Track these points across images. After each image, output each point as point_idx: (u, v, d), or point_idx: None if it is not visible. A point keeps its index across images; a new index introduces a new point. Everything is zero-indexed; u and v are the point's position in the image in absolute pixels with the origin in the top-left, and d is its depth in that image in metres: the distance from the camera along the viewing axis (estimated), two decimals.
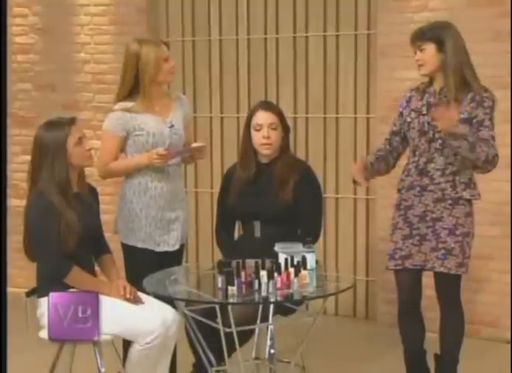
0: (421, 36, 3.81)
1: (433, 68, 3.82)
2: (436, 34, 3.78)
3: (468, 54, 3.82)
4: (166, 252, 4.06)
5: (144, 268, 3.89)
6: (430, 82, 3.90)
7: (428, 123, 3.84)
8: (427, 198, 3.85)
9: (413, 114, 3.90)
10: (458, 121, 3.71)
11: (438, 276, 3.89)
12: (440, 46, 3.77)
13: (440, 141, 3.81)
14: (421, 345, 4.02)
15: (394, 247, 3.93)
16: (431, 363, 4.03)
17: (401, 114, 3.98)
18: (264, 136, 4.03)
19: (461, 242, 3.82)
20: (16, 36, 6.41)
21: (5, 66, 6.26)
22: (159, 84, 4.00)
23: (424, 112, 3.86)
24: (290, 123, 4.26)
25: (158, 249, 4.04)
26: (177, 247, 4.09)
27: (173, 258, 4.06)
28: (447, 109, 3.70)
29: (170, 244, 4.07)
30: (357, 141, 5.68)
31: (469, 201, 3.87)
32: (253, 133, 4.07)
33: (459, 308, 3.95)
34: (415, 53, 3.84)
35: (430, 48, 3.79)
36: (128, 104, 3.98)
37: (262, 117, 4.06)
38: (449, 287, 3.90)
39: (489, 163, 3.77)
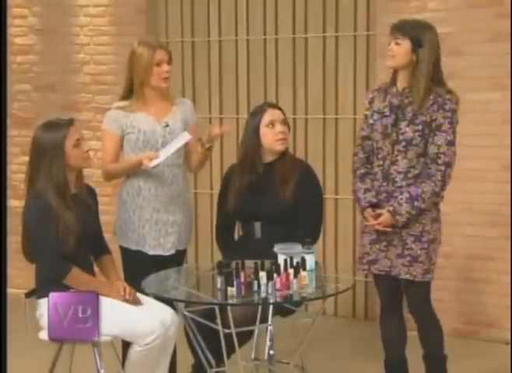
0: (401, 30, 3.76)
1: (401, 64, 3.75)
2: (415, 34, 3.72)
3: (440, 61, 3.77)
4: (161, 256, 4.03)
5: (138, 270, 3.88)
6: (393, 82, 3.84)
7: (391, 124, 3.78)
8: (392, 204, 3.78)
9: (376, 116, 3.84)
10: (389, 214, 3.73)
11: (406, 284, 3.86)
12: (416, 46, 3.71)
13: (403, 143, 3.75)
14: (402, 353, 3.99)
15: (363, 251, 3.91)
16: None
17: (365, 117, 3.91)
18: (280, 131, 4.06)
19: (427, 248, 3.78)
20: (16, 36, 6.41)
21: (4, 67, 6.26)
22: (153, 88, 3.98)
23: (387, 113, 3.80)
24: (289, 123, 4.27)
25: (151, 252, 4.03)
26: (172, 252, 4.05)
27: (170, 263, 4.01)
28: (379, 223, 3.75)
29: (165, 248, 4.04)
30: (356, 141, 5.67)
31: (435, 206, 3.83)
32: (265, 131, 4.07)
33: (433, 318, 3.91)
34: (390, 42, 3.78)
35: (405, 44, 3.73)
36: (124, 103, 4.00)
37: (274, 114, 4.09)
38: (418, 293, 3.86)
39: (442, 188, 3.75)
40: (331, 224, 5.74)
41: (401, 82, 3.79)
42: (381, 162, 3.83)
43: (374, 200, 3.81)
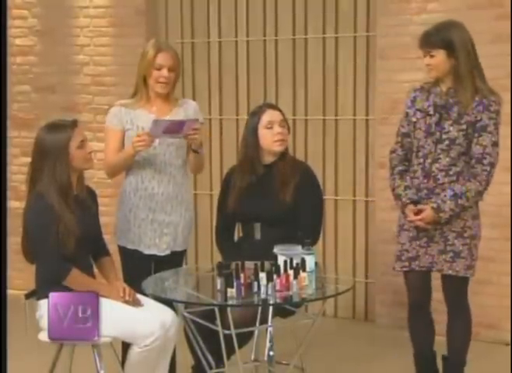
0: (429, 42, 3.77)
1: (443, 72, 3.80)
2: (445, 39, 3.74)
3: (477, 55, 3.80)
4: (158, 257, 4.03)
5: (136, 270, 3.90)
6: (436, 82, 3.87)
7: (435, 123, 3.82)
8: (435, 201, 3.82)
9: (419, 114, 3.88)
10: (432, 213, 3.77)
11: (446, 278, 3.90)
12: (450, 51, 3.73)
13: (446, 142, 3.80)
14: (431, 347, 4.02)
15: (401, 248, 3.93)
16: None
17: (406, 115, 3.96)
18: (278, 132, 4.05)
19: (469, 244, 3.83)
20: (16, 38, 6.41)
21: (4, 68, 6.25)
22: (152, 89, 3.99)
23: (431, 112, 3.84)
24: (289, 124, 4.27)
25: (147, 252, 4.03)
26: (167, 252, 4.05)
27: (167, 264, 4.00)
28: (421, 219, 3.78)
29: (160, 248, 4.04)
30: (356, 142, 5.69)
31: (476, 203, 3.87)
32: (263, 132, 4.07)
33: (466, 311, 3.96)
34: (424, 56, 3.81)
35: (440, 54, 3.75)
36: (126, 100, 4.03)
37: (272, 115, 4.08)
38: (457, 289, 3.91)
39: (486, 188, 3.80)
40: (330, 225, 5.74)
41: (445, 83, 3.84)
42: (422, 160, 3.87)
43: (415, 197, 3.86)
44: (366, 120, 5.63)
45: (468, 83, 3.75)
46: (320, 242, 4.30)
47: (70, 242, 3.57)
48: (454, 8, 5.05)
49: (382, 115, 5.39)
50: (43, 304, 3.58)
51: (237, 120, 5.93)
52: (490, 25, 5.02)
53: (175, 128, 3.85)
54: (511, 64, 4.97)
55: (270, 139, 4.06)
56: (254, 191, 4.08)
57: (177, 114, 4.04)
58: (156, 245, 4.03)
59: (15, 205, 6.05)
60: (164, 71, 3.95)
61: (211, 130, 6.05)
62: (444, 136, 3.81)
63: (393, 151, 4.00)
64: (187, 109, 4.09)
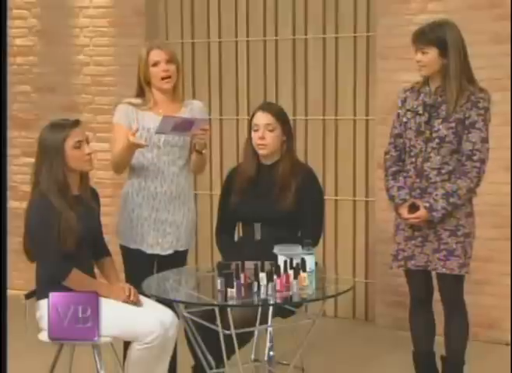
0: (423, 39, 3.80)
1: (434, 71, 3.82)
2: (438, 38, 3.76)
3: (467, 56, 3.82)
4: (160, 256, 4.04)
5: (137, 269, 3.91)
6: (425, 81, 3.89)
7: (425, 122, 3.84)
8: (427, 200, 3.84)
9: (409, 114, 3.91)
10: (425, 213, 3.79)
11: (441, 277, 3.91)
12: (443, 50, 3.76)
13: (437, 141, 3.82)
14: (431, 346, 4.03)
15: (397, 248, 3.95)
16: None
17: (398, 115, 3.98)
18: (259, 136, 4.04)
19: (463, 242, 3.84)
20: (16, 38, 6.41)
21: (4, 68, 6.25)
22: (157, 88, 4.00)
23: (420, 112, 3.86)
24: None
25: (149, 251, 4.03)
26: (170, 252, 4.06)
27: (169, 263, 4.00)
28: (415, 217, 3.81)
29: (163, 247, 4.05)
30: (356, 142, 5.69)
31: (469, 201, 3.88)
32: (252, 134, 4.09)
33: (463, 309, 3.97)
34: (416, 53, 3.83)
35: (433, 52, 3.78)
36: (135, 100, 4.03)
37: (259, 118, 4.07)
38: (452, 287, 3.92)
39: (477, 184, 3.81)
40: (330, 226, 5.74)
41: (434, 82, 3.86)
42: (414, 160, 3.89)
43: (408, 197, 3.88)
44: (366, 120, 5.64)
45: (455, 82, 3.77)
46: (320, 242, 4.30)
47: (70, 241, 3.57)
48: (454, 8, 5.05)
49: (382, 115, 5.39)
50: (44, 304, 3.58)
51: (237, 120, 5.93)
52: (490, 25, 5.02)
53: (184, 126, 3.86)
54: (511, 64, 4.97)
55: (254, 142, 4.07)
56: (254, 191, 4.08)
57: (182, 114, 4.03)
58: (159, 245, 4.04)
59: (15, 205, 6.06)
60: (162, 65, 3.96)
61: (211, 130, 6.04)
62: (434, 134, 3.82)
63: (386, 153, 4.03)
64: (192, 110, 4.09)
